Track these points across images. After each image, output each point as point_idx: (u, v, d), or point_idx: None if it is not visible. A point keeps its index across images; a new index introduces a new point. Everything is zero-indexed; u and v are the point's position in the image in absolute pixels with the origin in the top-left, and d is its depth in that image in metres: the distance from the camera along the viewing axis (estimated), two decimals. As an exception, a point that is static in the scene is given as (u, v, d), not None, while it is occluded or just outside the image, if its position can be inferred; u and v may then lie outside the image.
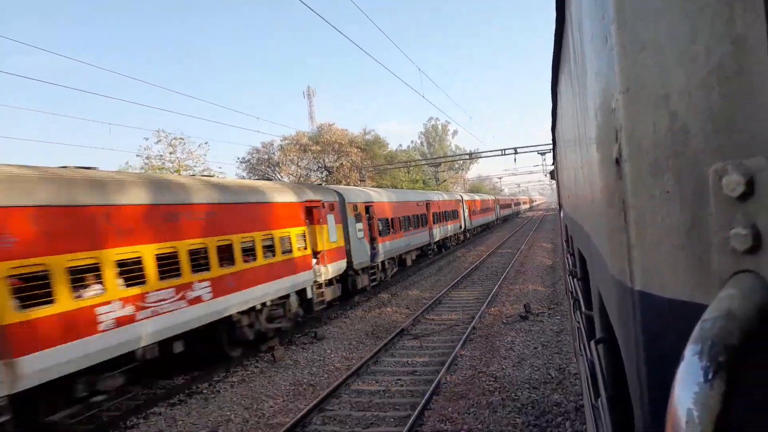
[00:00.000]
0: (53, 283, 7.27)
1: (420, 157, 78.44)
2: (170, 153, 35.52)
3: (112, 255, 8.24)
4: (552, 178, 13.26)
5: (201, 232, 10.26)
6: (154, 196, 9.34)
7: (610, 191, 0.97)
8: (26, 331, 6.88)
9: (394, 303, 17.04)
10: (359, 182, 48.64)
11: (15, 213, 6.97)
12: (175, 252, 9.53)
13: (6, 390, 6.61)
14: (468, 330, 12.42)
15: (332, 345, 12.26)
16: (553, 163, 12.09)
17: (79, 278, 7.73)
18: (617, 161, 0.83)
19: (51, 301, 7.22)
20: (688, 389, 0.48)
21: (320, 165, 58.03)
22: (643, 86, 0.72)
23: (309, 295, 14.30)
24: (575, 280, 3.55)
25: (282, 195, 13.75)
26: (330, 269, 15.60)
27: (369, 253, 19.25)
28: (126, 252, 8.51)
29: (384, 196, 22.81)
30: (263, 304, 12.14)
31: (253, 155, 57.51)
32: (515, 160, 41.99)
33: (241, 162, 57.10)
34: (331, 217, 16.00)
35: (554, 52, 3.18)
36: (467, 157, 51.30)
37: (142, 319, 8.60)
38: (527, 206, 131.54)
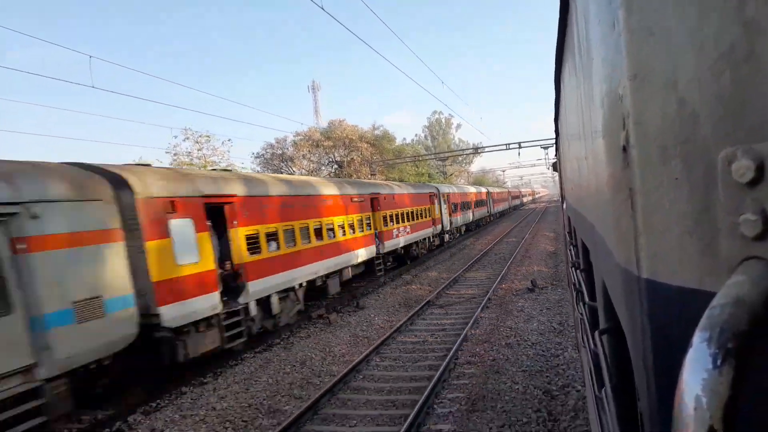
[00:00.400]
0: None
1: (425, 150, 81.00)
2: (198, 150, 38.07)
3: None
4: (554, 170, 13.76)
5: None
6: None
7: (616, 179, 0.96)
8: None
9: (417, 282, 19.68)
10: (370, 176, 51.24)
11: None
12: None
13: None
14: (485, 300, 15.04)
15: (373, 312, 14.92)
16: (555, 155, 12.48)
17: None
18: (624, 148, 0.82)
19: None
20: (696, 376, 0.48)
21: (331, 159, 60.36)
22: (651, 72, 0.71)
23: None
24: (578, 271, 3.59)
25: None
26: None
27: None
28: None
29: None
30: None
31: (267, 150, 59.79)
32: (519, 154, 44.38)
33: (256, 157, 59.38)
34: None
35: (558, 43, 3.17)
36: (473, 151, 53.69)
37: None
38: (530, 198, 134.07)
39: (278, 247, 13.19)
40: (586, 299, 2.86)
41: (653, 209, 0.74)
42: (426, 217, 28.40)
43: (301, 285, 14.26)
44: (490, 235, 38.67)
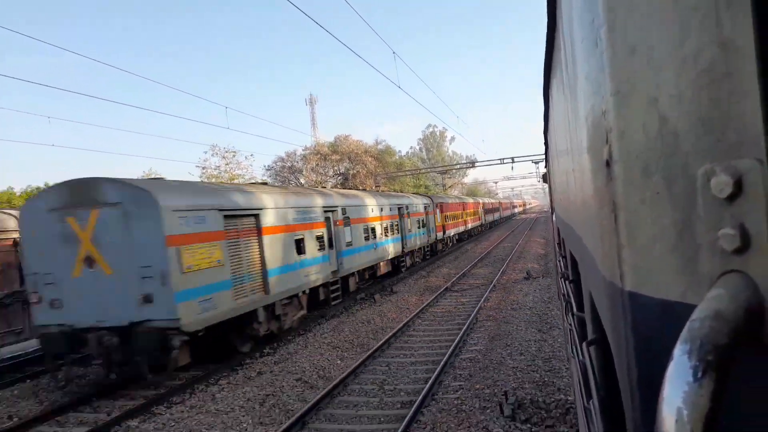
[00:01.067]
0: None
1: (420, 162, 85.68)
2: (226, 164, 42.43)
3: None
4: (544, 181, 13.77)
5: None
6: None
7: (600, 194, 0.99)
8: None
9: (433, 276, 24.15)
10: (375, 187, 55.69)
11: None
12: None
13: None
14: (491, 286, 19.53)
15: (405, 295, 19.34)
16: (545, 167, 12.54)
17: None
18: (607, 164, 0.84)
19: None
20: (677, 388, 0.49)
21: (336, 172, 64.74)
22: (633, 89, 0.73)
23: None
24: (567, 282, 3.69)
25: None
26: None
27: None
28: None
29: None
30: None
31: (278, 163, 64.07)
32: (512, 168, 49.03)
33: (267, 169, 63.68)
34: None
35: (546, 57, 3.26)
36: (470, 165, 58.39)
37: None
38: (521, 209, 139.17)
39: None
40: (575, 310, 2.92)
41: (636, 224, 0.75)
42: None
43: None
44: (487, 241, 43.27)
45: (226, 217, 11.17)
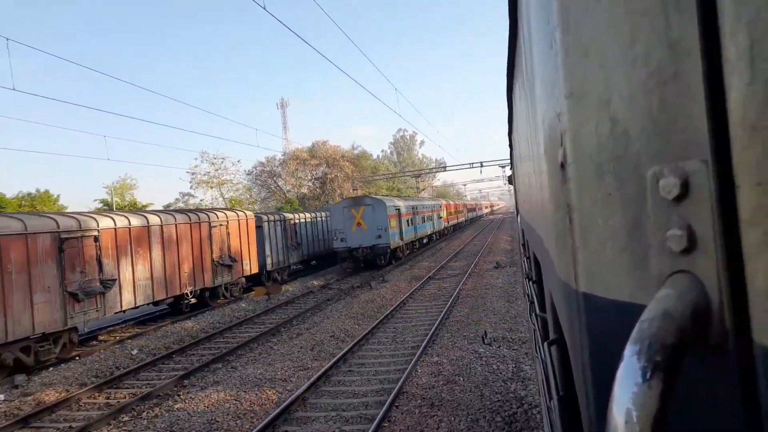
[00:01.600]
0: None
1: (392, 166, 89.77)
2: (216, 170, 45.31)
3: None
4: (510, 183, 14.11)
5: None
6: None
7: (556, 196, 1.00)
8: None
9: (416, 268, 27.93)
10: (352, 191, 59.15)
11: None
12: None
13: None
14: (466, 275, 23.39)
15: (395, 283, 23.01)
16: (510, 169, 12.85)
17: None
18: (562, 166, 0.85)
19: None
20: (626, 389, 0.50)
21: (314, 176, 67.93)
22: (586, 91, 0.74)
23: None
24: (531, 282, 3.79)
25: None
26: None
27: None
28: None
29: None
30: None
31: (257, 168, 66.84)
32: (481, 171, 53.32)
33: (248, 174, 66.41)
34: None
35: (508, 58, 3.30)
36: (442, 168, 62.55)
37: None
38: (489, 210, 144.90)
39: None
40: (537, 310, 2.95)
41: (588, 225, 0.76)
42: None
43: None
44: (459, 240, 47.37)
45: (404, 209, 29.89)
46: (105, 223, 14.84)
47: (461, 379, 9.46)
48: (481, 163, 54.73)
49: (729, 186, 0.53)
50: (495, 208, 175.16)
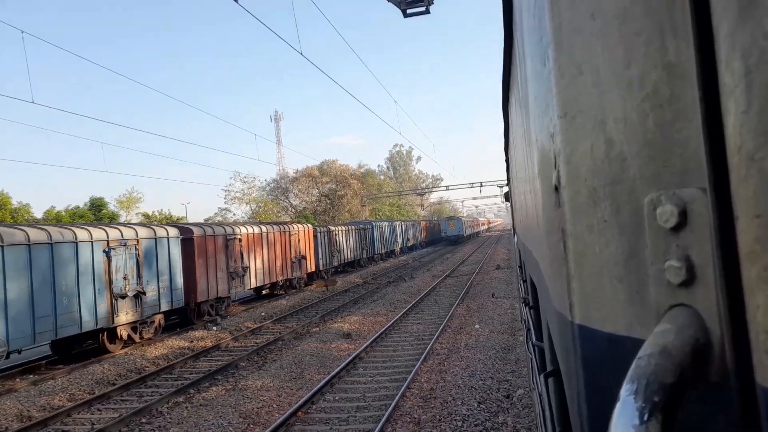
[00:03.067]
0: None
1: (389, 181, 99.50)
2: (248, 188, 54.28)
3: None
4: (506, 199, 14.35)
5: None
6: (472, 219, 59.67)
7: (550, 219, 1.00)
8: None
9: (434, 269, 37.05)
10: (361, 207, 68.19)
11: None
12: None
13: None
14: (474, 273, 32.57)
15: (421, 279, 32.14)
16: (507, 185, 12.97)
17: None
18: (556, 188, 0.86)
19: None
20: (623, 430, 0.49)
21: (322, 193, 76.67)
22: (580, 111, 0.74)
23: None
24: (528, 308, 3.71)
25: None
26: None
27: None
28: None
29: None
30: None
31: (270, 184, 75.56)
32: (481, 191, 62.88)
33: (262, 189, 75.10)
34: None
35: (504, 73, 3.37)
36: (445, 188, 71.96)
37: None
38: (486, 227, 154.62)
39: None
40: (534, 339, 2.92)
41: (584, 252, 0.75)
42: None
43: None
44: (461, 252, 56.76)
45: (466, 221, 50.92)
46: (243, 230, 23.82)
47: (482, 310, 18.63)
48: (480, 183, 64.34)
49: (728, 216, 0.52)
50: (491, 225, 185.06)
